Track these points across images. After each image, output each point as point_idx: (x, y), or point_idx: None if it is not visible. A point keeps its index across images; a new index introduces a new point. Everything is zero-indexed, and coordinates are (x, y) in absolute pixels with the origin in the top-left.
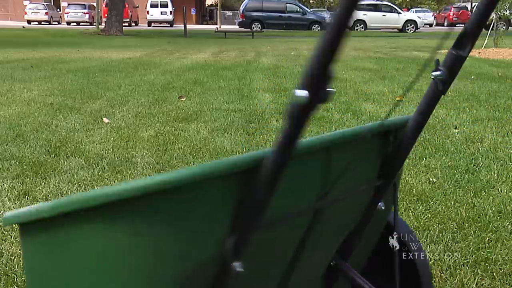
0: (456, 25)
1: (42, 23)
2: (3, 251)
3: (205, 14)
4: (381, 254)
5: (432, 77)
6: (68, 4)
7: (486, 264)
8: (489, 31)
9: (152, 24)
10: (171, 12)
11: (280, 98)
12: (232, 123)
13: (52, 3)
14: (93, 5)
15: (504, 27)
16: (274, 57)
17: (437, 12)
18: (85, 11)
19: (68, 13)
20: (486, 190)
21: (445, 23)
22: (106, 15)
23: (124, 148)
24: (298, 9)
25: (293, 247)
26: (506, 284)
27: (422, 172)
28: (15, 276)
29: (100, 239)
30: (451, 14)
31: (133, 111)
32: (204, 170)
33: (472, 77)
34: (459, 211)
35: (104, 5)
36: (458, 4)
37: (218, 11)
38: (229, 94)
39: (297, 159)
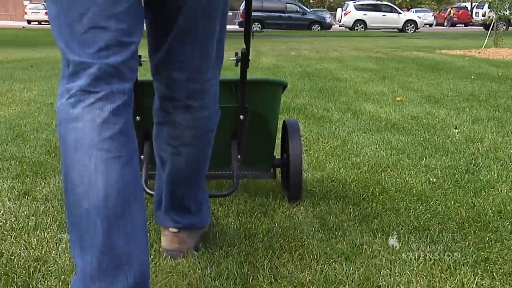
0: (456, 25)
1: (42, 23)
2: (3, 251)
3: None
4: None
5: None
6: None
7: (486, 264)
8: (489, 31)
9: None
10: None
11: None
12: None
13: None
14: None
15: (504, 27)
16: (274, 57)
17: (437, 12)
18: None
19: None
20: (486, 190)
21: (445, 23)
22: None
23: None
24: (298, 9)
25: None
26: (506, 284)
27: (422, 172)
28: (15, 276)
29: None
30: (451, 14)
31: None
32: None
33: (472, 77)
34: (459, 211)
35: None
36: (458, 4)
37: None
38: None
39: None
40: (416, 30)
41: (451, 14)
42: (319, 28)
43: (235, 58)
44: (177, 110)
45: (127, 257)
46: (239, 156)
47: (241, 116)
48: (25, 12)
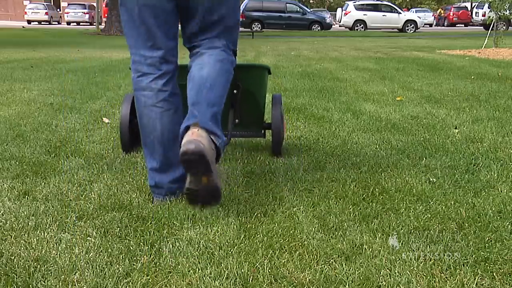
0: (456, 25)
1: (42, 23)
2: (3, 251)
3: None
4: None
5: None
6: (68, 4)
7: (486, 264)
8: (489, 31)
9: None
10: None
11: None
12: None
13: (52, 3)
14: (93, 5)
15: (504, 27)
16: (274, 57)
17: (437, 12)
18: (85, 11)
19: (68, 13)
20: (486, 190)
21: (444, 23)
22: (106, 15)
23: None
24: (298, 9)
25: None
26: (506, 284)
27: (422, 172)
28: (15, 276)
29: None
30: (451, 14)
31: None
32: None
33: (472, 77)
34: (459, 211)
35: (104, 5)
36: (458, 4)
37: None
38: None
39: None
40: (416, 30)
41: (441, 15)
42: (319, 28)
43: None
44: (203, 54)
45: (175, 163)
46: (236, 120)
47: (234, 91)
48: (25, 12)
